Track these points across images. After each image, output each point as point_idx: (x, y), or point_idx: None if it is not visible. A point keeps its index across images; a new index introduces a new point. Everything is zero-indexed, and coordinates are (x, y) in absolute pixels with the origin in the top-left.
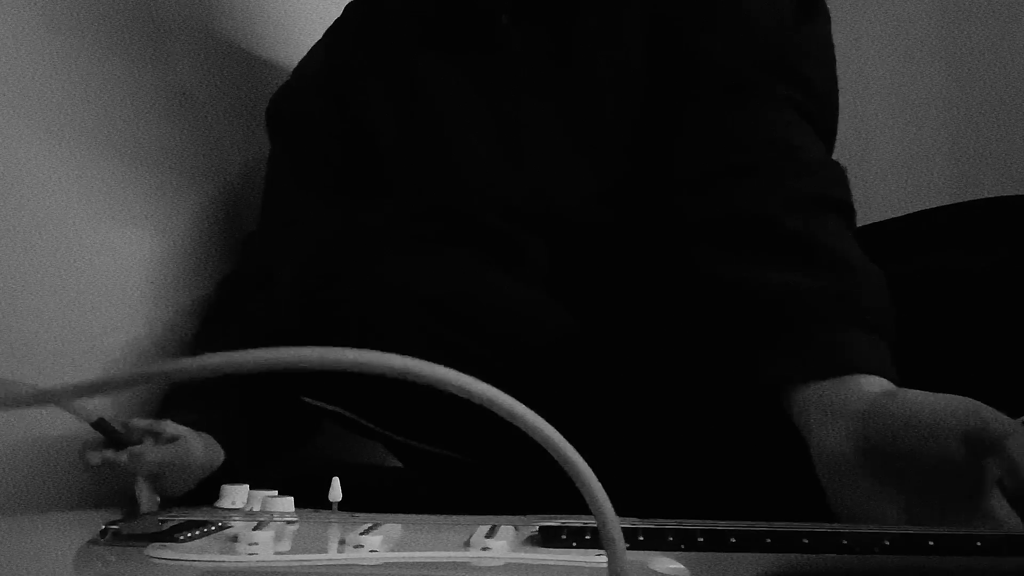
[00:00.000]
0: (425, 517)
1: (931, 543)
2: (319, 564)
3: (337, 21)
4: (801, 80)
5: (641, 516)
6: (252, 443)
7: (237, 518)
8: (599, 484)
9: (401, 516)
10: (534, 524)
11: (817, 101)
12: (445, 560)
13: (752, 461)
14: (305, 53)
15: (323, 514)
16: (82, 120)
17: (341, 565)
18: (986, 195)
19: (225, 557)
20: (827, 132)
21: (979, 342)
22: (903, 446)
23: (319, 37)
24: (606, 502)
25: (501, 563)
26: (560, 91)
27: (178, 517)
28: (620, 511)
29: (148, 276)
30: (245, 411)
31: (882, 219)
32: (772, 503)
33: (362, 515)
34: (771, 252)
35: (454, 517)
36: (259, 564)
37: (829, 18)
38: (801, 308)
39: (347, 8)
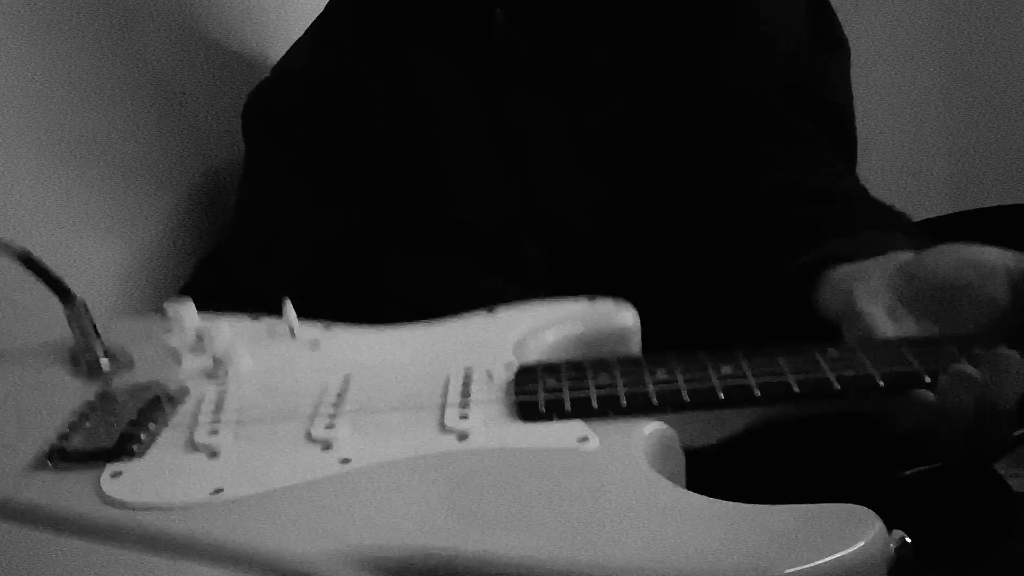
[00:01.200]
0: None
1: (927, 379)
2: (292, 490)
3: (322, 16)
4: (825, 108)
5: None
6: None
7: (184, 381)
8: None
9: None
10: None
11: (839, 129)
12: (424, 455)
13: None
14: (283, 45)
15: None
16: (43, 118)
17: (319, 484)
18: (986, 199)
19: (192, 495)
20: (849, 154)
21: None
22: (950, 281)
23: (300, 30)
24: None
25: (485, 450)
26: (560, 94)
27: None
28: None
29: (112, 288)
30: None
31: None
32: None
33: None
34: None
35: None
36: (228, 500)
37: (849, 51)
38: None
39: (332, 2)
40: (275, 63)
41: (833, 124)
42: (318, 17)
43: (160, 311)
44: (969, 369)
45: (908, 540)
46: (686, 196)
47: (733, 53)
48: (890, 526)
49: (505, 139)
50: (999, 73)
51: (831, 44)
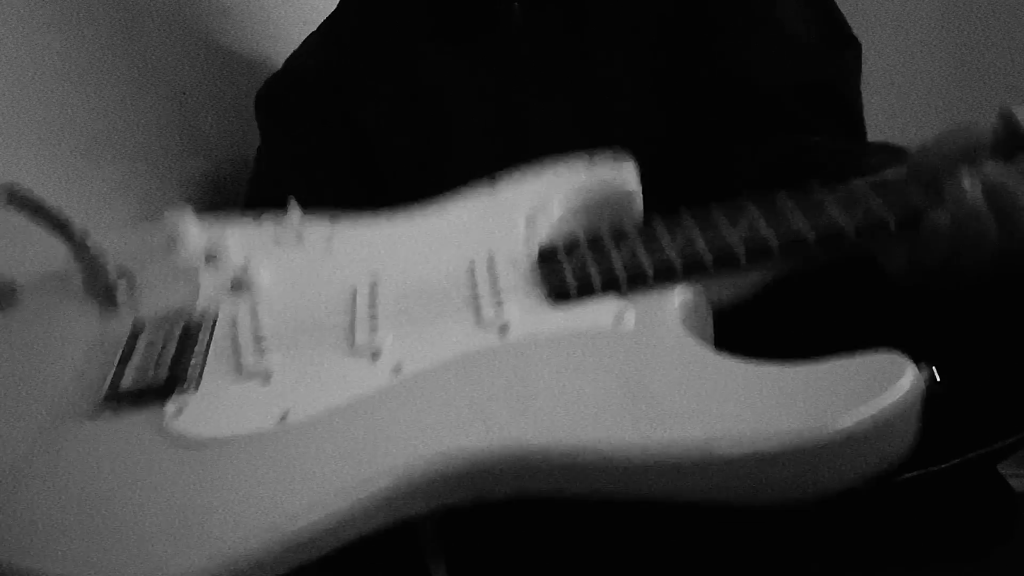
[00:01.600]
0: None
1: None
2: (352, 408)
3: (334, 13)
4: (838, 106)
5: None
6: None
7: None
8: None
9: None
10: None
11: (852, 127)
12: (469, 353)
13: None
14: (285, 44)
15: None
16: (44, 116)
17: (377, 399)
18: None
19: (259, 423)
20: None
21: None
22: (948, 150)
23: (303, 29)
24: None
25: (526, 342)
26: (573, 87)
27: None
28: None
29: None
30: None
31: None
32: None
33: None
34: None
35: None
36: (295, 425)
37: (861, 50)
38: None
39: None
40: (280, 61)
41: (846, 122)
42: (331, 14)
43: (151, 220)
44: (968, 173)
45: (935, 371)
46: (692, 191)
47: (747, 49)
48: (891, 527)
49: (514, 135)
50: (1002, 74)
51: (841, 42)
